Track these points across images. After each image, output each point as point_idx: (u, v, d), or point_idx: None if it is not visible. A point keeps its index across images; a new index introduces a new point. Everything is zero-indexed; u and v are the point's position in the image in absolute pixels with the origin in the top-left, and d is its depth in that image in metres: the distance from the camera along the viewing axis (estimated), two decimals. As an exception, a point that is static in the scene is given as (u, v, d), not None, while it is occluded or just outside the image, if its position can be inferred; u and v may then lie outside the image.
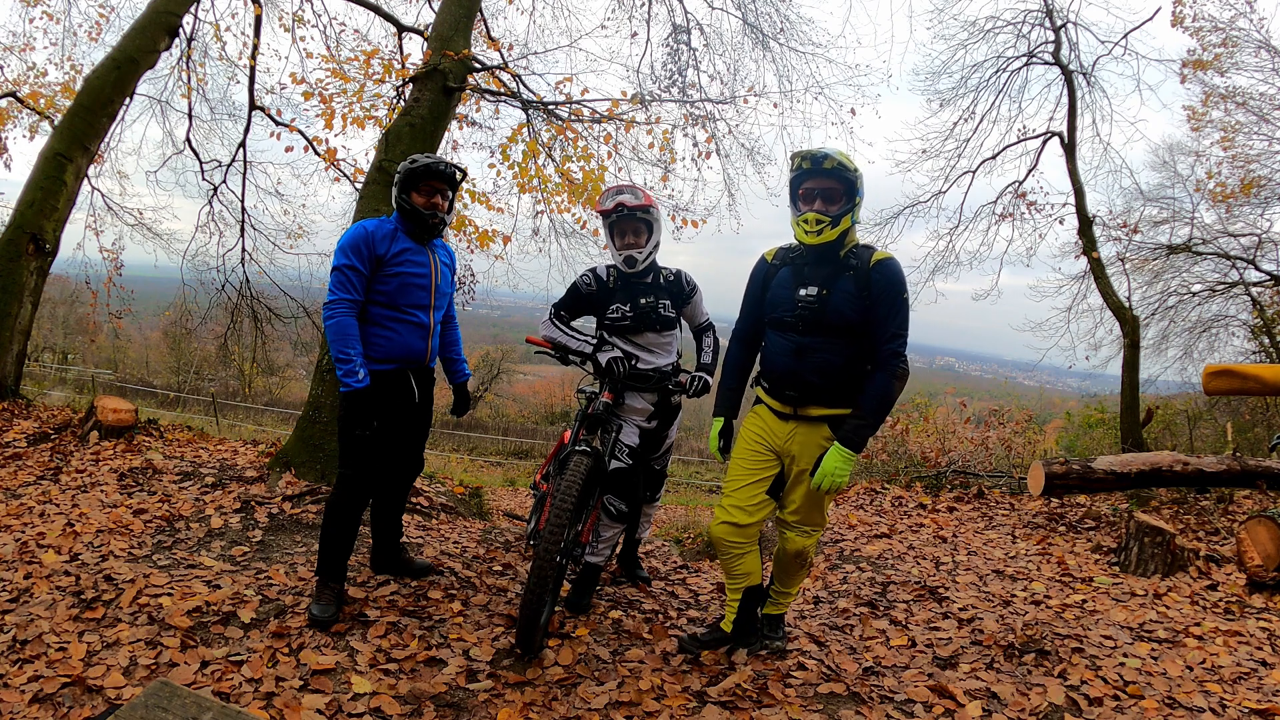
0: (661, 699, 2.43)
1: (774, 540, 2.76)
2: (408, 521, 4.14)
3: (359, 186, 5.54)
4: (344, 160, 7.93)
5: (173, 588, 2.79)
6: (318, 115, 6.54)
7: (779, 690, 2.52)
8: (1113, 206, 15.29)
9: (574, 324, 3.19)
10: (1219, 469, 5.30)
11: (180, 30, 6.56)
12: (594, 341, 3.07)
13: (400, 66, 6.50)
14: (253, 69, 7.61)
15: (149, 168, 10.29)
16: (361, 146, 36.04)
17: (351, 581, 3.02)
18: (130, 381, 23.65)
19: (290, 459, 4.46)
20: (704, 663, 2.69)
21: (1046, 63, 8.81)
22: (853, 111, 7.69)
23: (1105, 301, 8.31)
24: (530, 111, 5.89)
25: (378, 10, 7.48)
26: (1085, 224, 8.37)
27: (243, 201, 8.44)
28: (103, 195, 8.80)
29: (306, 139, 7.33)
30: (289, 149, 10.23)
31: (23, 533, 3.26)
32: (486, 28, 7.83)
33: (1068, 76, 8.54)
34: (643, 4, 8.17)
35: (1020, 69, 9.01)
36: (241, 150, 8.16)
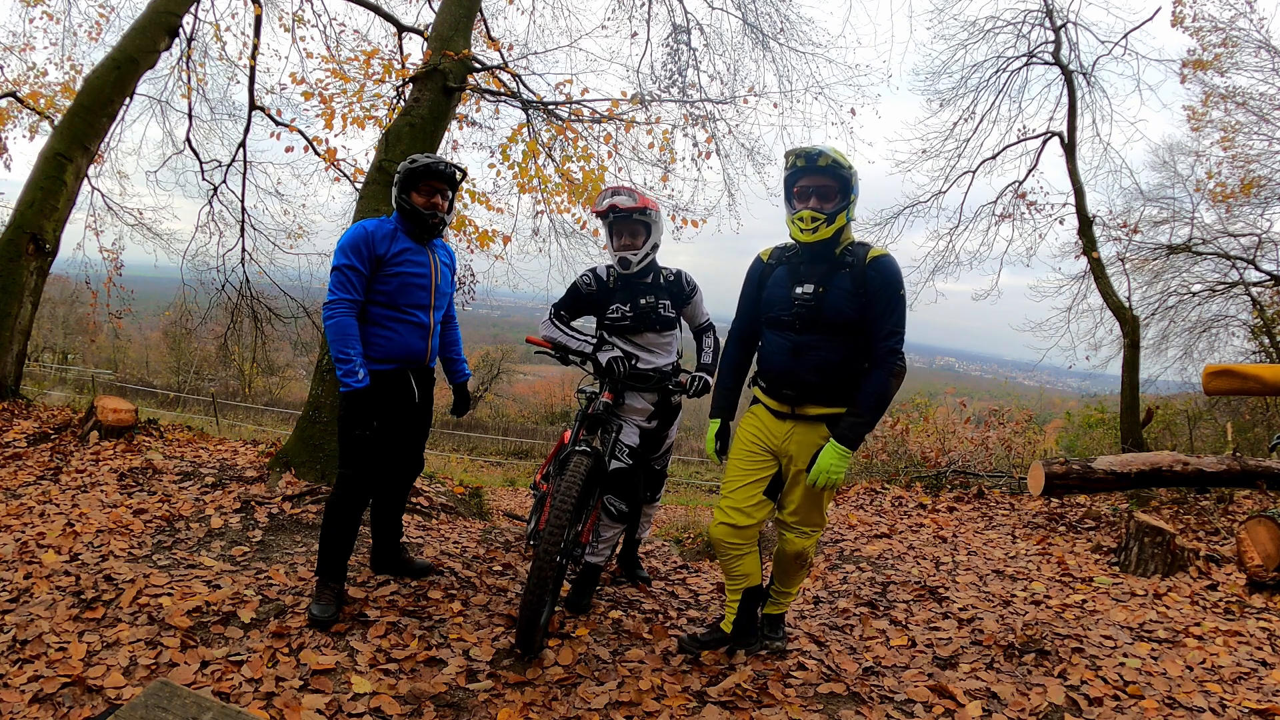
0: (661, 699, 2.43)
1: (774, 541, 2.76)
2: (408, 521, 4.14)
3: (359, 186, 5.54)
4: (344, 160, 7.94)
5: (173, 588, 2.79)
6: (318, 115, 6.55)
7: (779, 690, 2.52)
8: (1113, 206, 15.31)
9: (574, 324, 3.19)
10: (1219, 469, 5.30)
11: (180, 30, 6.56)
12: (594, 341, 3.07)
13: (400, 66, 6.51)
14: (253, 69, 7.61)
15: (149, 168, 10.31)
16: (361, 146, 36.09)
17: (351, 581, 3.02)
18: (130, 381, 23.65)
19: (290, 459, 4.46)
20: (704, 663, 2.69)
21: (1046, 63, 8.82)
22: (853, 111, 7.70)
23: (1105, 301, 8.31)
24: (530, 111, 5.89)
25: (378, 10, 7.48)
26: (1085, 224, 8.38)
27: (243, 201, 8.44)
28: (103, 195, 8.81)
29: (306, 139, 7.33)
30: (289, 149, 10.24)
31: (23, 533, 3.26)
32: (486, 28, 7.83)
33: (1068, 76, 8.54)
34: (643, 4, 8.18)
35: (1020, 69, 9.02)
36: (241, 150, 8.16)
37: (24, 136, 8.00)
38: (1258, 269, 9.31)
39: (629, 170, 6.79)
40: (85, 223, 8.52)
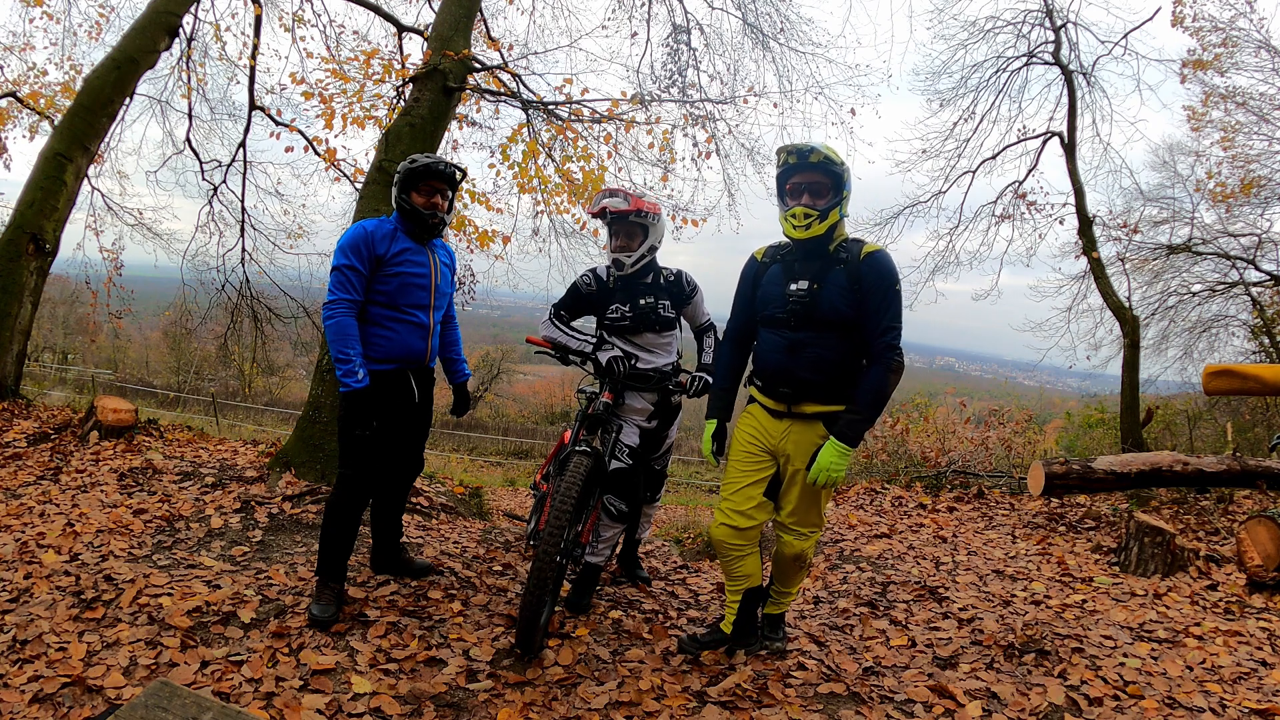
0: (661, 699, 2.43)
1: (774, 541, 2.75)
2: (408, 521, 4.14)
3: (359, 186, 5.54)
4: (344, 160, 7.93)
5: (173, 588, 2.79)
6: (318, 115, 6.54)
7: (779, 690, 2.52)
8: (1113, 206, 15.30)
9: (574, 324, 3.19)
10: (1219, 469, 5.30)
11: (180, 30, 6.56)
12: (594, 341, 3.07)
13: (400, 66, 6.50)
14: (253, 69, 7.61)
15: (149, 168, 10.31)
16: (361, 146, 36.08)
17: (351, 581, 3.02)
18: (130, 381, 23.65)
19: (290, 459, 4.47)
20: (704, 663, 2.69)
21: (1046, 63, 8.82)
22: (853, 111, 7.70)
23: (1105, 301, 8.31)
24: (530, 111, 5.89)
25: (378, 10, 7.48)
26: (1085, 224, 8.38)
27: (243, 201, 8.44)
28: (103, 195, 8.81)
29: (306, 139, 7.33)
30: (289, 149, 10.24)
31: (23, 533, 3.26)
32: (486, 28, 7.83)
33: (1068, 76, 8.54)
34: (643, 4, 8.18)
35: (1020, 69, 9.02)
36: (241, 150, 8.16)
37: (24, 136, 8.02)
38: (1258, 269, 9.31)
39: (629, 170, 6.80)
40: (85, 223, 8.53)
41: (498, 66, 6.13)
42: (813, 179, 2.43)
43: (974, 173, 9.32)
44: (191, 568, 3.07)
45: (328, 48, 8.27)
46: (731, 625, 2.78)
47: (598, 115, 5.75)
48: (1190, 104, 8.99)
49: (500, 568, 3.60)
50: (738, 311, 2.72)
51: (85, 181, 6.58)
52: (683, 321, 3.23)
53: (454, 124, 6.79)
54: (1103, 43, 8.58)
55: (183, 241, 14.85)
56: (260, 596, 2.81)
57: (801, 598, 3.61)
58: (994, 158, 9.23)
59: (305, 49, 13.67)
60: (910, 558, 4.27)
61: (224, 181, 8.38)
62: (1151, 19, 8.37)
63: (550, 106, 5.80)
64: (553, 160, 6.48)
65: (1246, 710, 2.42)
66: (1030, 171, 9.07)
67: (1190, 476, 5.31)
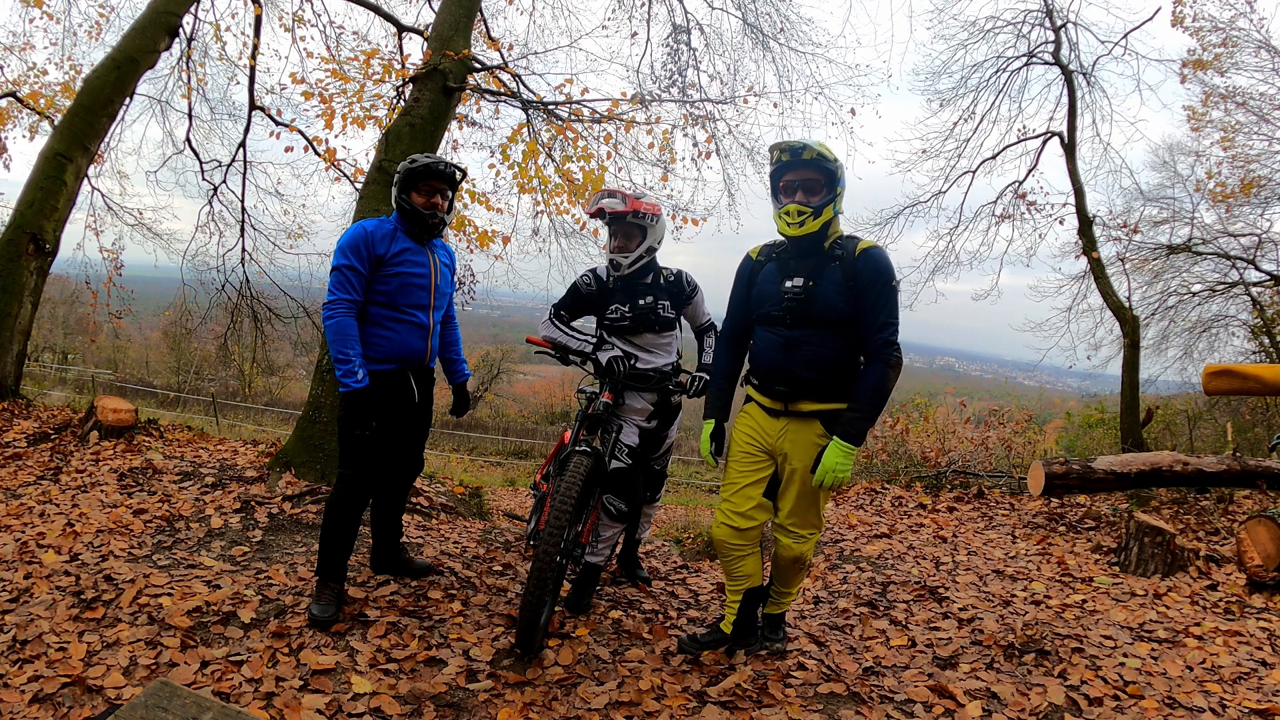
0: (661, 699, 2.43)
1: (774, 542, 2.75)
2: (408, 521, 4.14)
3: (359, 186, 5.54)
4: (344, 160, 7.93)
5: (173, 588, 2.79)
6: (318, 115, 6.55)
7: (779, 690, 2.52)
8: (1113, 206, 15.31)
9: (574, 324, 3.19)
10: (1219, 469, 5.30)
11: (180, 30, 6.56)
12: (594, 341, 3.07)
13: (400, 66, 6.50)
14: (253, 69, 7.61)
15: (149, 168, 10.31)
16: (361, 146, 36.11)
17: (351, 581, 3.02)
18: (130, 381, 23.65)
19: (290, 459, 4.47)
20: (704, 663, 2.69)
21: (1046, 63, 8.82)
22: (853, 111, 7.70)
23: (1105, 301, 8.31)
24: (530, 111, 5.89)
25: (378, 10, 7.48)
26: (1085, 224, 8.38)
27: (243, 201, 8.45)
28: (103, 195, 8.81)
29: (306, 139, 7.33)
30: (289, 149, 10.25)
31: (23, 533, 3.26)
32: (486, 28, 7.83)
33: (1068, 76, 8.54)
34: (643, 4, 8.18)
35: (1020, 69, 9.02)
36: (241, 150, 8.17)
37: (24, 136, 8.02)
38: (1258, 269, 9.31)
39: (629, 170, 6.79)
40: (85, 223, 8.53)
41: (498, 66, 6.13)
42: (806, 176, 2.43)
43: (974, 173, 9.33)
44: (191, 568, 3.07)
45: (328, 48, 8.27)
46: (732, 625, 2.77)
47: (598, 115, 5.75)
48: (1190, 104, 9.00)
49: (500, 568, 3.60)
50: (733, 311, 2.71)
51: (85, 181, 6.58)
52: (683, 321, 3.23)
53: (454, 124, 6.79)
54: (1103, 43, 8.60)
55: (183, 241, 14.84)
56: (260, 596, 2.81)
57: (801, 598, 3.61)
58: (994, 158, 9.24)
59: (305, 49, 13.68)
60: (910, 558, 4.27)
61: (224, 181, 8.39)
62: (1151, 19, 8.38)
63: (550, 106, 5.80)
64: (553, 160, 6.48)
65: (1246, 710, 2.42)
66: (1030, 171, 9.08)
67: (1190, 476, 5.31)
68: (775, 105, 8.17)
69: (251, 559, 3.25)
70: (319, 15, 11.12)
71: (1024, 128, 9.09)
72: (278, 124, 7.57)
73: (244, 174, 8.33)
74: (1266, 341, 9.39)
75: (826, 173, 2.42)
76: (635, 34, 8.24)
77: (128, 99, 6.48)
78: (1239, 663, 2.78)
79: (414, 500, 4.61)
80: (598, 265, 3.23)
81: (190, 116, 8.23)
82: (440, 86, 4.89)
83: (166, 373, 26.89)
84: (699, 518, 6.51)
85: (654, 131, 6.39)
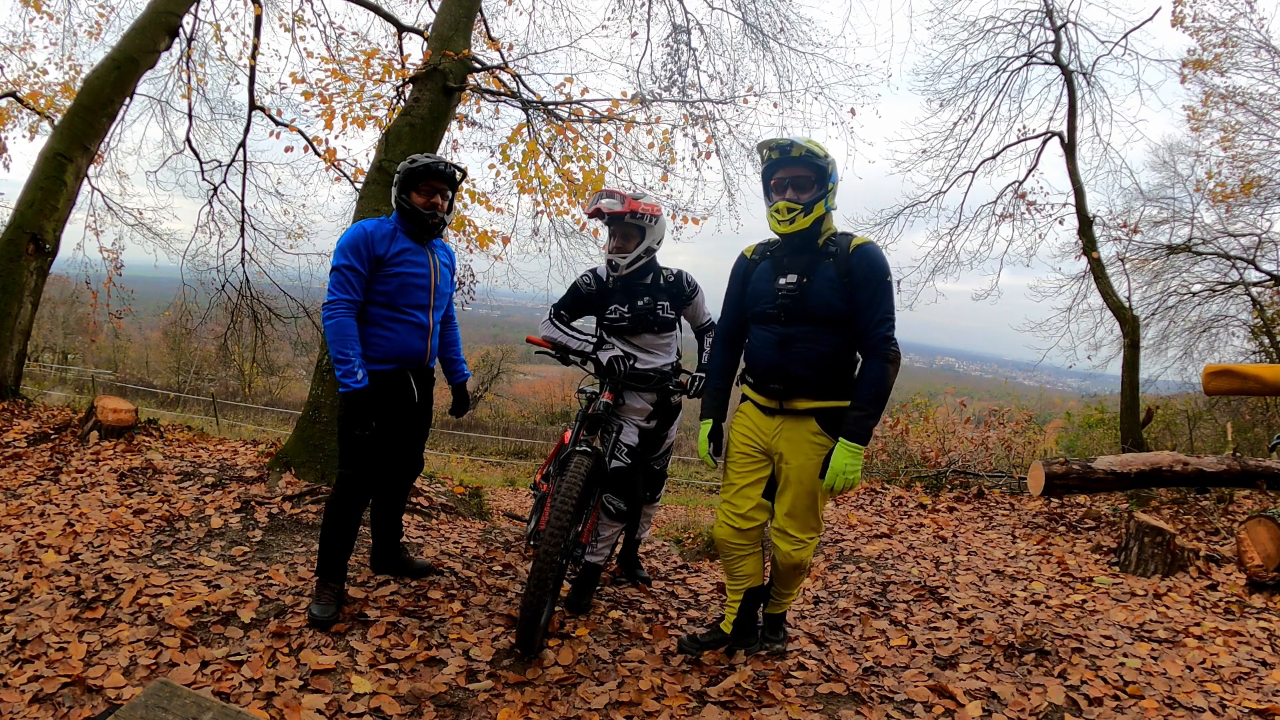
0: (661, 699, 2.43)
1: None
2: (408, 521, 4.14)
3: (359, 186, 5.54)
4: (344, 160, 7.94)
5: (173, 588, 2.79)
6: (318, 115, 6.54)
7: (779, 690, 2.52)
8: (1113, 206, 15.33)
9: (574, 324, 3.19)
10: (1219, 469, 5.30)
11: (180, 30, 6.56)
12: (594, 341, 3.07)
13: (400, 66, 6.50)
14: (253, 69, 7.61)
15: (149, 168, 10.31)
16: (361, 146, 36.11)
17: (351, 581, 3.02)
18: (130, 381, 23.65)
19: (290, 459, 4.47)
20: (704, 663, 2.69)
21: (1046, 63, 8.82)
22: (853, 111, 7.70)
23: (1105, 301, 8.32)
24: (530, 111, 5.89)
25: (378, 10, 7.48)
26: (1085, 224, 8.38)
27: (243, 201, 8.45)
28: (103, 195, 8.81)
29: (306, 139, 7.33)
30: (289, 149, 10.27)
31: (23, 533, 3.26)
32: (486, 28, 7.83)
33: (1068, 76, 8.54)
34: (643, 4, 8.18)
35: (1020, 69, 9.02)
36: (241, 150, 8.17)
37: (24, 136, 8.02)
38: (1258, 269, 9.32)
39: (629, 170, 6.79)
40: (85, 223, 8.54)
41: (498, 66, 6.13)
42: (795, 173, 2.42)
43: (974, 173, 9.33)
44: (191, 568, 3.07)
45: (328, 48, 8.27)
46: (732, 625, 2.77)
47: (598, 115, 5.75)
48: (1190, 104, 9.00)
49: (500, 568, 3.60)
50: (729, 310, 2.70)
51: (85, 181, 6.58)
52: (683, 321, 3.23)
53: (454, 124, 6.79)
54: (1103, 43, 8.60)
55: (183, 241, 14.88)
56: (260, 596, 2.81)
57: (801, 598, 3.61)
58: (994, 158, 9.25)
59: (305, 49, 13.68)
60: (910, 558, 4.27)
61: (224, 181, 8.39)
62: (1151, 19, 8.38)
63: (550, 106, 5.80)
64: (553, 160, 6.48)
65: (1246, 710, 2.42)
66: (1030, 171, 9.08)
67: (1190, 476, 5.31)
68: (775, 105, 8.19)
69: (251, 559, 3.25)
70: (319, 15, 11.11)
71: (1024, 128, 9.11)
72: (278, 124, 7.58)
73: (244, 174, 8.34)
74: (1266, 341, 9.39)
75: (817, 169, 2.41)
76: (635, 34, 8.25)
77: (128, 99, 6.48)
78: (1239, 663, 2.78)
79: (414, 500, 4.61)
80: (598, 265, 3.23)
81: (190, 116, 8.24)
82: (440, 86, 4.89)
83: (166, 373, 26.89)
84: (699, 518, 6.50)
85: (654, 131, 6.39)
